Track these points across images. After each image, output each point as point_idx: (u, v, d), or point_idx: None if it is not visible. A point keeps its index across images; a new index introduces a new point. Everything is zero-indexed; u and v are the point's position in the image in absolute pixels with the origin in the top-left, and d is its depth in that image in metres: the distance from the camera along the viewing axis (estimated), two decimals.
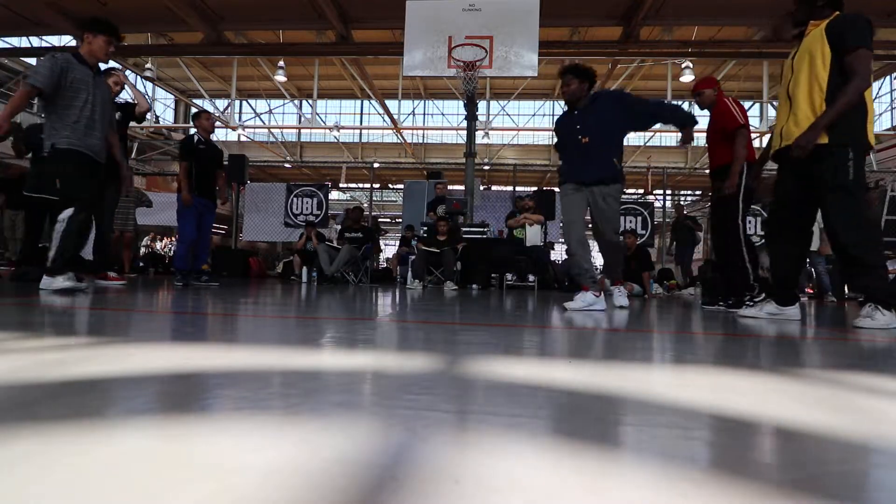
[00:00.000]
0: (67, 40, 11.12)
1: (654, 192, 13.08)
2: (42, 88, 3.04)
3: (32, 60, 14.26)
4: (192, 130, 4.98)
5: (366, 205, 12.87)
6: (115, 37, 3.38)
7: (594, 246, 4.04)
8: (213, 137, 5.07)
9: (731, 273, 3.63)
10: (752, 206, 9.10)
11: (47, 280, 3.01)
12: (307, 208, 9.70)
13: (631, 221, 9.46)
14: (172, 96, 18.00)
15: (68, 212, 3.09)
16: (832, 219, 2.50)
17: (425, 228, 7.40)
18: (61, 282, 3.01)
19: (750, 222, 8.99)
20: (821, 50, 2.52)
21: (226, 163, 7.30)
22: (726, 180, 3.53)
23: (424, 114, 18.98)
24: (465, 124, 7.65)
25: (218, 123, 12.98)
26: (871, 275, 2.43)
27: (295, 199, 9.77)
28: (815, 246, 6.57)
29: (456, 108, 18.45)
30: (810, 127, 2.51)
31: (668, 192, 11.70)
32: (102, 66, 3.67)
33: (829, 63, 2.49)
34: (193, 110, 18.69)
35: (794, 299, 2.83)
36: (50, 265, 3.05)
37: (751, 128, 3.71)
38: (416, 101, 18.36)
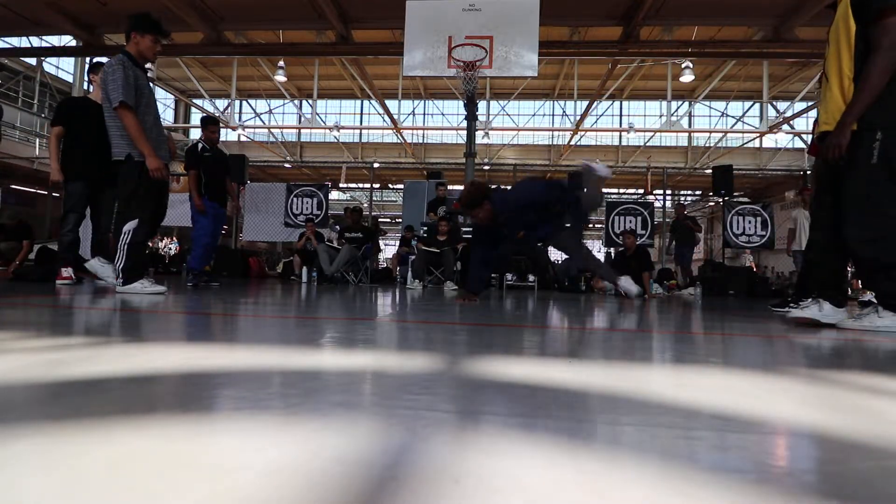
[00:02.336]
0: (67, 40, 11.11)
1: (654, 192, 13.09)
2: (129, 102, 3.00)
3: (32, 61, 14.29)
4: (198, 135, 4.98)
5: (366, 205, 12.87)
6: (161, 34, 3.28)
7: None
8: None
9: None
10: (752, 206, 9.12)
11: (128, 286, 3.05)
12: (307, 208, 9.70)
13: (631, 221, 9.45)
14: (172, 96, 18.01)
15: (133, 224, 3.09)
16: (843, 207, 2.24)
17: (425, 228, 7.40)
18: (148, 286, 3.07)
19: (750, 222, 8.99)
20: (846, 22, 2.22)
21: None
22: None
23: (424, 114, 18.98)
24: (465, 124, 7.64)
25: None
26: (893, 278, 2.17)
27: (295, 199, 9.76)
28: None
29: (456, 108, 18.45)
30: (837, 126, 2.20)
31: (668, 192, 11.69)
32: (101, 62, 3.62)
33: (855, 37, 2.19)
34: (194, 111, 18.73)
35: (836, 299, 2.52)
36: (123, 276, 3.07)
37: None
38: (416, 101, 18.37)
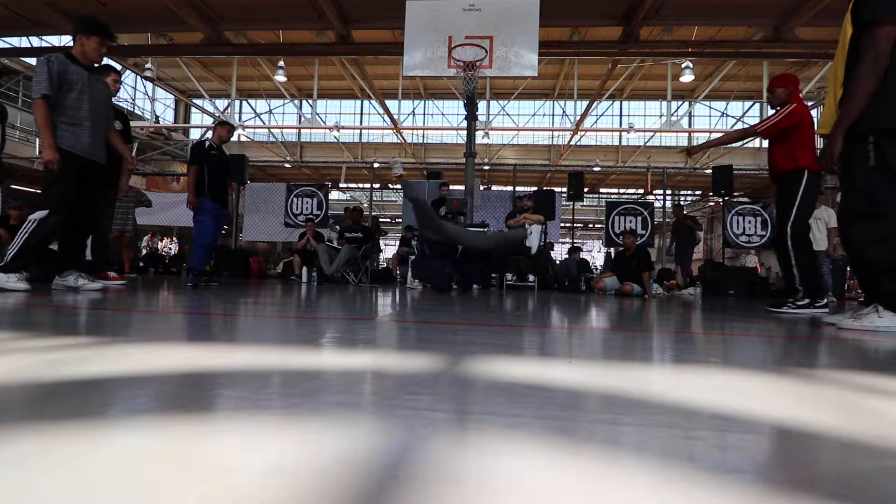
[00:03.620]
0: (67, 40, 11.12)
1: (654, 192, 13.09)
2: (50, 95, 3.06)
3: (32, 60, 14.27)
4: (208, 134, 4.96)
5: (366, 205, 12.87)
6: (107, 37, 3.38)
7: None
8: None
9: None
10: (752, 206, 9.12)
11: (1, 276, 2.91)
12: (307, 208, 9.70)
13: (631, 221, 9.45)
14: (172, 96, 17.99)
15: (41, 214, 3.05)
16: (846, 210, 2.26)
17: None
18: (14, 282, 2.91)
19: (750, 222, 8.99)
20: (843, 27, 2.22)
21: None
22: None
23: (424, 114, 18.97)
24: (465, 124, 7.64)
25: None
26: None
27: (295, 199, 9.76)
28: (823, 246, 6.55)
29: (456, 108, 18.43)
30: (830, 136, 2.22)
31: (668, 192, 11.69)
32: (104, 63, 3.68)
33: (850, 41, 2.19)
34: (194, 111, 18.74)
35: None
36: (8, 262, 2.96)
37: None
38: (416, 101, 18.36)
